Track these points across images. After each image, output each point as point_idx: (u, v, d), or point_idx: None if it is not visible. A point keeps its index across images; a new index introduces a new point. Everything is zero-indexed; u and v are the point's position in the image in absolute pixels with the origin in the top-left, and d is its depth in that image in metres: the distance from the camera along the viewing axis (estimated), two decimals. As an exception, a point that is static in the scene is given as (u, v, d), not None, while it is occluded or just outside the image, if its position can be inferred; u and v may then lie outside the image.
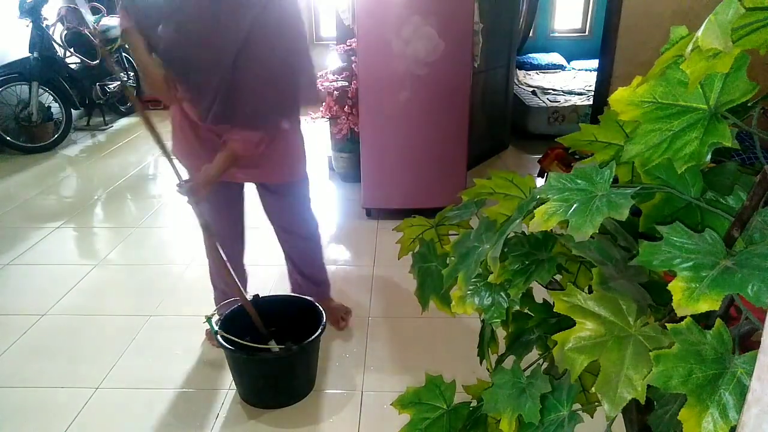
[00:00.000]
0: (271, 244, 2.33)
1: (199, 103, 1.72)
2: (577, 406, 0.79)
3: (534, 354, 0.94)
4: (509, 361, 0.92)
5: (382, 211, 3.32)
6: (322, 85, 3.54)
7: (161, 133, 1.72)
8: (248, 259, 2.25)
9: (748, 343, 0.64)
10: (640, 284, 0.71)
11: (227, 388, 1.99)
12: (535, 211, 0.68)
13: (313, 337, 1.82)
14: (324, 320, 1.91)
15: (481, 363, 1.02)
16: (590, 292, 0.73)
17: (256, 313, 1.90)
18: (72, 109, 4.84)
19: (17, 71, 4.41)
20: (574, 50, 6.18)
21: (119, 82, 5.36)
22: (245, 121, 1.69)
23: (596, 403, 0.88)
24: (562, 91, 4.95)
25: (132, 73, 5.62)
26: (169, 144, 1.80)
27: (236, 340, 1.78)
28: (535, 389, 0.79)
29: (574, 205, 0.65)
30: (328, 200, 3.70)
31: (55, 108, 4.76)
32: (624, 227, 0.77)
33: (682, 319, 0.58)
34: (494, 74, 4.06)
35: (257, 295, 2.06)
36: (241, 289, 1.90)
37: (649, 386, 0.62)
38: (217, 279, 2.17)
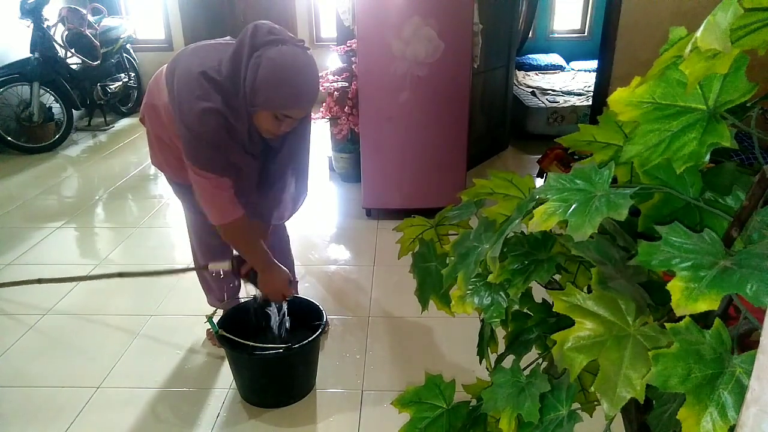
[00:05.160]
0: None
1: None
2: (576, 405, 0.80)
3: (533, 353, 0.94)
4: (509, 361, 0.92)
5: (382, 211, 3.33)
6: (322, 86, 3.54)
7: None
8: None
9: (746, 343, 0.64)
10: (639, 284, 0.71)
11: (227, 387, 1.99)
12: (534, 211, 0.68)
13: (313, 337, 1.82)
14: (324, 320, 1.91)
15: (480, 362, 1.02)
16: (589, 291, 0.73)
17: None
18: (73, 110, 4.85)
19: (18, 71, 4.41)
20: (573, 51, 6.18)
21: (120, 83, 5.37)
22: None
23: (595, 403, 0.88)
24: (562, 92, 4.95)
25: (133, 74, 5.63)
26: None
27: (237, 339, 1.79)
28: (534, 388, 0.79)
29: (573, 205, 0.65)
30: (328, 200, 3.71)
31: (56, 108, 4.77)
32: (623, 227, 0.77)
33: (680, 318, 0.58)
34: (494, 75, 4.06)
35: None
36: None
37: (648, 385, 0.62)
38: (211, 278, 2.17)
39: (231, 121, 1.55)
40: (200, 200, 1.69)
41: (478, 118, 3.95)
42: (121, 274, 2.06)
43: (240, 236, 1.76)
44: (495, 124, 4.29)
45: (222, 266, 1.90)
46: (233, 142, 1.61)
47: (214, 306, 2.16)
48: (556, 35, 6.34)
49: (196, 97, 1.53)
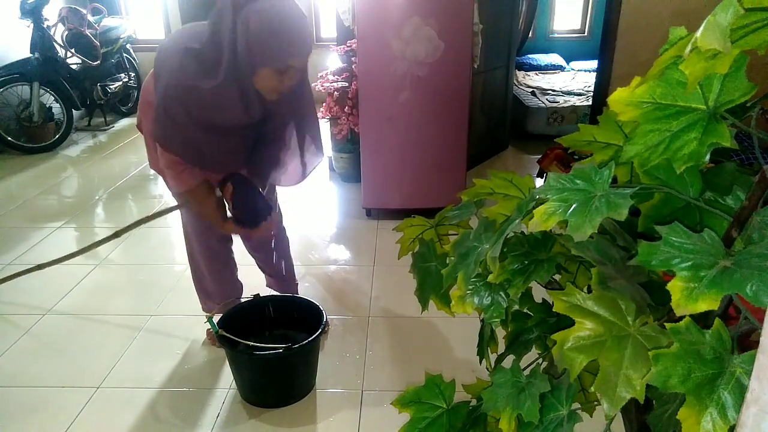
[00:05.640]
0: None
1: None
2: (576, 405, 0.80)
3: (533, 353, 0.94)
4: (509, 361, 0.92)
5: (382, 211, 3.32)
6: (322, 86, 3.54)
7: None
8: (246, 260, 2.25)
9: (746, 343, 0.64)
10: (639, 284, 0.71)
11: (227, 387, 1.99)
12: (534, 211, 0.68)
13: (313, 337, 1.82)
14: (324, 320, 1.91)
15: (480, 362, 1.02)
16: (589, 291, 0.73)
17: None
18: (73, 110, 4.84)
19: (18, 72, 4.41)
20: (573, 51, 6.18)
21: (120, 83, 5.37)
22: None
23: (595, 403, 0.88)
24: (562, 92, 4.95)
25: (133, 74, 5.62)
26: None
27: (237, 339, 1.79)
28: (534, 388, 0.79)
29: (573, 206, 0.65)
30: (328, 200, 3.71)
31: (56, 108, 4.77)
32: (623, 227, 0.77)
33: (680, 318, 0.59)
34: (494, 75, 4.06)
35: (257, 295, 2.06)
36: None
37: (648, 385, 0.62)
38: (213, 284, 2.13)
39: (210, 97, 1.51)
40: (163, 167, 1.70)
41: (478, 118, 3.95)
42: (116, 234, 2.04)
43: (194, 201, 1.79)
44: (495, 124, 4.29)
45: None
46: (203, 123, 1.57)
47: (210, 312, 2.13)
48: (556, 35, 6.34)
49: (174, 71, 1.51)
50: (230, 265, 2.15)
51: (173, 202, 1.96)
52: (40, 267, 2.08)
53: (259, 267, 2.28)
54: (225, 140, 1.68)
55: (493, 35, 3.78)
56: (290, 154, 1.81)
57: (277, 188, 2.12)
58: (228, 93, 1.52)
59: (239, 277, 2.21)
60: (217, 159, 1.72)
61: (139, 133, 1.87)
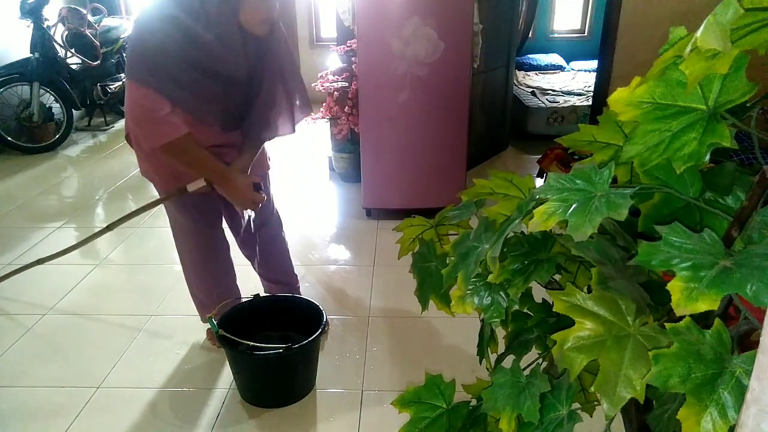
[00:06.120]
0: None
1: (232, 123, 1.80)
2: (576, 405, 0.80)
3: (533, 353, 0.94)
4: (509, 361, 0.92)
5: (382, 211, 3.33)
6: (322, 86, 3.54)
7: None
8: (245, 260, 2.25)
9: (747, 343, 0.65)
10: (639, 284, 0.71)
11: (227, 387, 1.99)
12: (534, 211, 0.68)
13: (313, 337, 1.82)
14: (324, 320, 1.91)
15: (480, 362, 1.02)
16: (589, 291, 0.73)
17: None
18: (73, 110, 4.85)
19: (18, 71, 4.41)
20: (573, 51, 6.18)
21: (120, 83, 5.37)
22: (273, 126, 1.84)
23: (595, 403, 0.89)
24: (562, 92, 4.95)
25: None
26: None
27: (237, 339, 1.79)
28: (534, 388, 0.79)
29: (573, 205, 0.65)
30: (328, 200, 3.71)
31: (56, 108, 4.77)
32: (623, 227, 0.77)
33: (680, 318, 0.59)
34: (494, 75, 4.06)
35: (257, 295, 2.06)
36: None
37: (648, 385, 0.62)
38: (211, 286, 2.12)
39: (195, 30, 1.53)
40: (133, 122, 1.60)
41: (478, 118, 3.95)
42: (108, 227, 2.03)
43: (182, 156, 1.66)
44: (495, 124, 4.29)
45: (198, 185, 1.80)
46: (190, 59, 1.57)
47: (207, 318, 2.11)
48: (556, 35, 6.34)
49: (155, 13, 1.54)
50: (226, 266, 2.14)
51: (173, 202, 1.95)
52: (39, 262, 2.07)
53: (259, 274, 2.28)
54: (210, 85, 1.65)
55: (493, 35, 3.78)
56: (278, 107, 1.80)
57: (275, 190, 2.12)
58: (211, 37, 1.55)
59: (239, 281, 2.20)
60: (199, 104, 1.65)
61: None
